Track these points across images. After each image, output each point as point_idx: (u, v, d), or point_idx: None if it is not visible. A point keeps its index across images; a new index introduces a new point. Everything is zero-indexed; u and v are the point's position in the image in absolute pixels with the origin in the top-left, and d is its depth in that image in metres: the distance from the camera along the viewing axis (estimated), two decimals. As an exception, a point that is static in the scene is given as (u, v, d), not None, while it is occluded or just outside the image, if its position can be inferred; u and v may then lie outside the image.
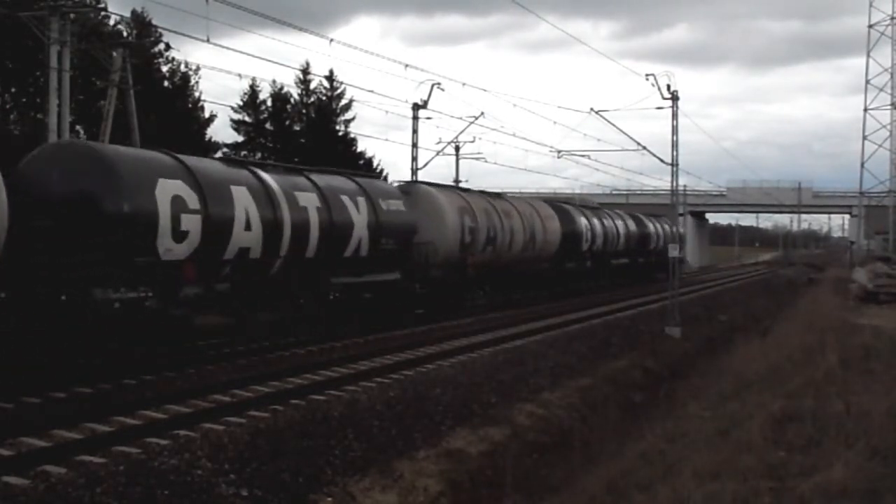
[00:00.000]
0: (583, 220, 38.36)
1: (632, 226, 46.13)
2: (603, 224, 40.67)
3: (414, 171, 35.22)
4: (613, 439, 12.81)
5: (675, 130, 27.35)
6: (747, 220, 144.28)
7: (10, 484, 8.79)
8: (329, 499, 9.48)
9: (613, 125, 30.72)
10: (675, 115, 27.21)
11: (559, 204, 37.98)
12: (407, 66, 37.58)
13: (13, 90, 36.50)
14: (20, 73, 34.85)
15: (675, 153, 27.61)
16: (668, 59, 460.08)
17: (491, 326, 24.11)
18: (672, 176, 28.17)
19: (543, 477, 11.78)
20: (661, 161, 28.81)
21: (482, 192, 31.35)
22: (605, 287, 41.74)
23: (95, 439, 10.79)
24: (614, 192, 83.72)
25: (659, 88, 26.78)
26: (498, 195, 32.13)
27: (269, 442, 10.48)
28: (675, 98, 27.06)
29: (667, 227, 51.29)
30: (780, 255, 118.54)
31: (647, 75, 26.84)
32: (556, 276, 35.71)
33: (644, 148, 31.08)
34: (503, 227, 29.25)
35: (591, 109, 30.23)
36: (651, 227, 49.90)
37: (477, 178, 72.60)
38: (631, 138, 31.61)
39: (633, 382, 18.83)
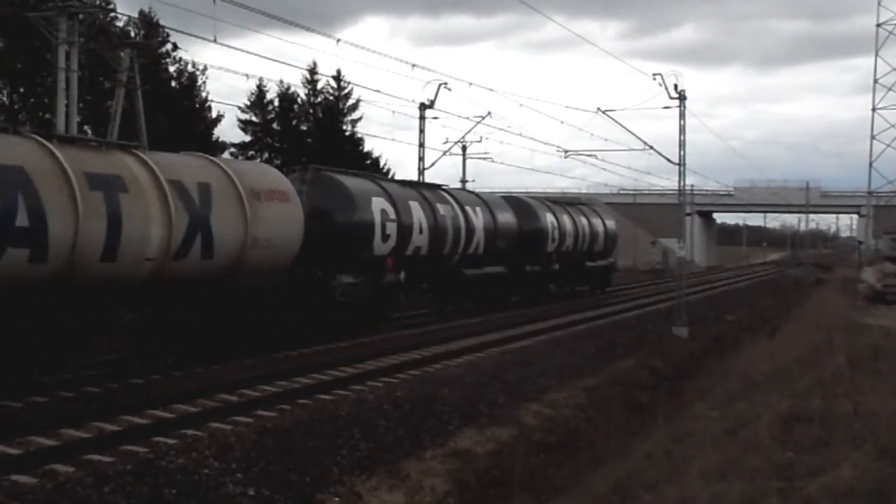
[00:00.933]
0: (377, 204, 21.91)
1: (506, 218, 29.84)
2: (433, 212, 24.71)
3: (421, 171, 35.28)
4: (620, 439, 12.80)
5: (682, 130, 27.37)
6: (755, 219, 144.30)
7: (19, 482, 8.82)
8: (336, 498, 9.49)
9: (620, 125, 30.62)
10: (682, 115, 27.22)
11: (325, 173, 21.97)
12: (414, 65, 37.45)
13: (21, 90, 36.58)
14: (28, 73, 34.95)
15: (682, 153, 27.62)
16: (675, 59, 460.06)
17: (497, 326, 24.11)
18: (679, 176, 28.17)
19: (550, 477, 11.77)
20: (669, 161, 28.84)
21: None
22: (453, 313, 26.74)
23: (103, 438, 10.81)
24: (622, 192, 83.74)
25: (666, 88, 26.81)
26: (113, 146, 15.71)
27: (276, 441, 10.50)
28: (682, 98, 27.07)
29: (590, 220, 37.53)
30: (788, 255, 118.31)
31: (654, 75, 26.87)
32: (308, 301, 19.08)
33: (651, 148, 31.11)
34: (87, 210, 13.23)
35: (598, 109, 30.21)
36: (549, 220, 32.87)
37: (484, 177, 73.02)
38: (638, 138, 31.46)
39: (640, 382, 18.81)
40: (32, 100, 36.48)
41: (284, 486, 9.41)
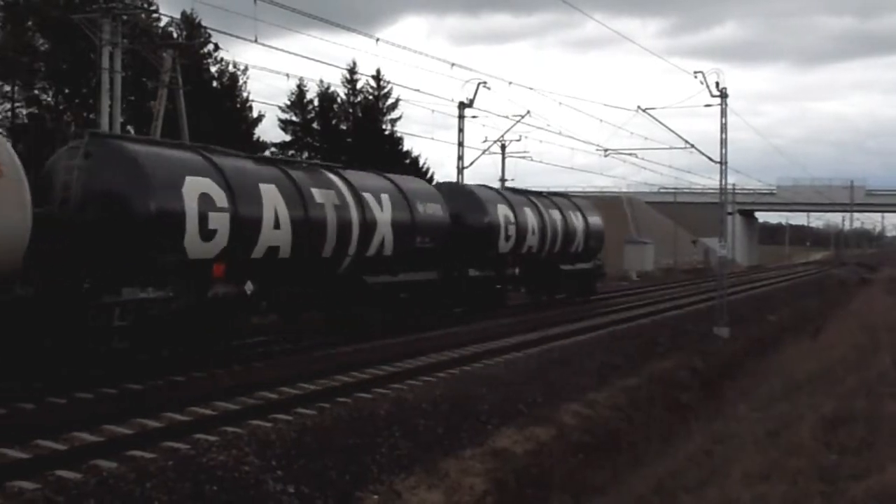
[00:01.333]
0: (193, 186, 15.39)
1: (431, 210, 23.27)
2: (303, 200, 18.07)
3: (460, 170, 35.27)
4: (661, 440, 12.70)
5: (723, 128, 27.03)
6: (798, 219, 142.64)
7: (63, 478, 8.96)
8: (375, 496, 9.51)
9: (661, 123, 30.41)
10: (724, 113, 26.89)
11: (110, 141, 15.82)
12: (453, 65, 37.73)
13: (66, 91, 37.19)
14: (73, 74, 35.52)
15: (723, 151, 27.29)
16: (716, 57, 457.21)
17: (535, 326, 24.04)
18: (721, 174, 27.84)
19: (590, 477, 11.71)
20: (710, 159, 28.54)
21: None
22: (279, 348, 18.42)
23: (145, 435, 10.95)
24: (662, 191, 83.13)
25: (707, 86, 26.53)
26: None
27: (316, 439, 10.54)
28: (724, 95, 26.76)
29: (566, 216, 31.48)
30: (832, 254, 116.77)
31: (695, 73, 26.58)
32: (69, 327, 13.65)
33: (692, 146, 30.83)
34: None
35: (639, 107, 29.94)
36: (501, 214, 27.10)
37: (524, 176, 72.80)
38: (679, 136, 31.23)
39: (681, 383, 18.64)
40: (77, 100, 37.05)
41: (324, 483, 9.45)
